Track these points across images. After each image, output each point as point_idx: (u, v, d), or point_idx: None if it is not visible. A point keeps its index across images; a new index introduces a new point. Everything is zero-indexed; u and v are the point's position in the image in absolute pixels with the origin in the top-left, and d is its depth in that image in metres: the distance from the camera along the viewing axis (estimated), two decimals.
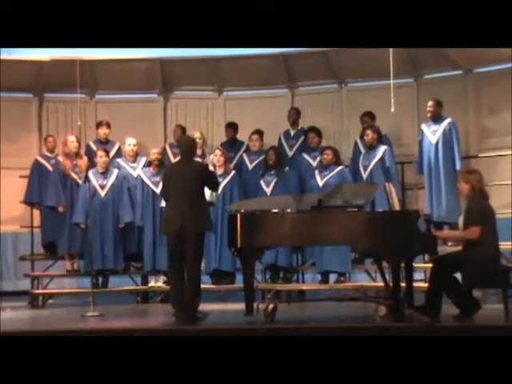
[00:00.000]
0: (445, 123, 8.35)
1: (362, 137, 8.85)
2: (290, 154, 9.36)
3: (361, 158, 8.70)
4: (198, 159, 8.96)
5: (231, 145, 9.44)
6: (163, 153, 9.20)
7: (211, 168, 7.82)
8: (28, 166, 9.28)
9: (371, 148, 8.59)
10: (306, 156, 9.06)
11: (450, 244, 7.89)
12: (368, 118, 8.97)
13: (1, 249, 10.76)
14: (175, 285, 6.85)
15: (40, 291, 9.04)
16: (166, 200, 7.15)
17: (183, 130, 9.35)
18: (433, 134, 8.39)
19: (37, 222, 9.29)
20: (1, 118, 9.55)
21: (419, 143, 8.55)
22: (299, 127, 9.45)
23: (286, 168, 8.87)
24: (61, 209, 8.88)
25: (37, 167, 9.24)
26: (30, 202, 9.27)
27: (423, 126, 8.52)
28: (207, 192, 7.10)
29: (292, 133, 9.45)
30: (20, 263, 9.80)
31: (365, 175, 8.54)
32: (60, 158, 9.02)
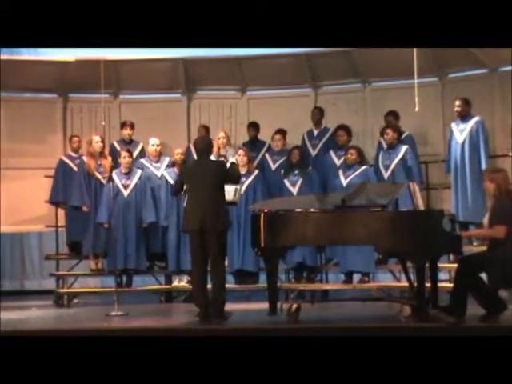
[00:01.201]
0: (472, 122, 8.30)
1: (382, 136, 8.79)
2: (314, 153, 9.33)
3: (380, 157, 8.66)
4: (222, 159, 8.99)
5: (253, 144, 9.41)
6: (187, 152, 9.19)
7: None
8: (53, 166, 9.34)
9: (391, 147, 8.56)
10: (332, 154, 9.00)
11: (475, 244, 7.85)
12: (392, 117, 8.90)
13: (26, 248, 10.93)
14: (197, 284, 6.85)
15: (65, 290, 9.09)
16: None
17: (207, 130, 9.34)
18: (460, 132, 8.34)
19: (62, 221, 9.33)
20: (26, 119, 9.65)
21: (448, 142, 8.49)
22: (323, 127, 9.41)
23: (310, 168, 8.85)
24: (85, 209, 8.93)
25: (62, 167, 9.29)
26: (55, 201, 9.31)
27: (452, 125, 8.45)
28: (230, 191, 7.10)
29: (315, 132, 9.41)
30: (45, 262, 9.92)
31: (386, 175, 8.50)
32: (84, 158, 9.06)
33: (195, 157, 9.05)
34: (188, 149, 9.32)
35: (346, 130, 8.95)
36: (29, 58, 9.71)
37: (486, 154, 8.23)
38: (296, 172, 8.75)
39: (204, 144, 7.05)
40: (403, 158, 8.45)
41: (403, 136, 8.77)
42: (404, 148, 8.49)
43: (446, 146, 8.67)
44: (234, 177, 6.96)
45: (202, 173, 6.79)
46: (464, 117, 8.33)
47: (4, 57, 9.20)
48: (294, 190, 8.68)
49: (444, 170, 8.70)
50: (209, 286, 6.87)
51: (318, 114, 9.45)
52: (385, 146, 8.78)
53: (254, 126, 9.48)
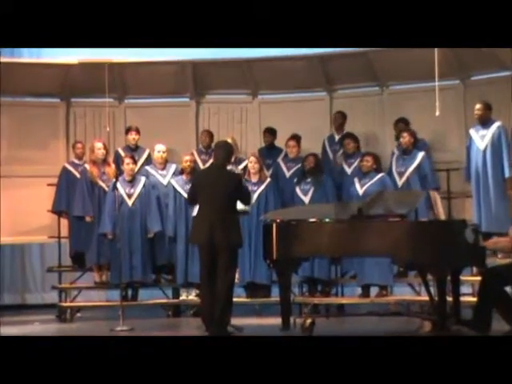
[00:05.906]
0: (494, 127, 8.03)
1: (397, 140, 8.62)
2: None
3: (394, 163, 8.48)
4: (231, 166, 8.76)
5: (269, 151, 9.23)
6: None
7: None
8: (55, 174, 9.13)
9: (406, 153, 8.40)
10: (342, 163, 8.88)
11: (499, 256, 7.59)
12: (402, 124, 8.72)
13: (28, 260, 10.81)
14: (205, 299, 6.73)
15: (68, 304, 8.93)
16: (191, 203, 7.16)
17: (211, 135, 9.21)
18: (481, 139, 8.08)
19: (64, 232, 9.16)
20: (27, 124, 9.42)
21: (467, 149, 8.23)
22: (344, 132, 9.16)
23: (324, 175, 8.65)
24: (88, 219, 8.76)
25: (65, 175, 9.08)
26: (57, 210, 9.10)
27: (471, 131, 8.20)
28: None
29: (336, 138, 9.19)
30: (47, 275, 9.78)
31: (400, 182, 8.36)
32: (87, 166, 8.87)
33: (200, 163, 9.04)
34: (192, 155, 9.07)
35: (352, 137, 8.85)
36: (30, 61, 9.60)
37: (508, 161, 7.98)
38: (308, 180, 8.58)
39: (226, 150, 6.85)
40: (419, 165, 8.31)
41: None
42: (421, 154, 8.35)
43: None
44: (246, 200, 6.84)
45: (217, 184, 6.65)
46: (484, 122, 8.07)
47: (4, 59, 9.06)
48: (306, 199, 8.54)
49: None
50: None
51: (341, 118, 9.23)
52: (396, 152, 8.61)
53: (270, 132, 9.28)
